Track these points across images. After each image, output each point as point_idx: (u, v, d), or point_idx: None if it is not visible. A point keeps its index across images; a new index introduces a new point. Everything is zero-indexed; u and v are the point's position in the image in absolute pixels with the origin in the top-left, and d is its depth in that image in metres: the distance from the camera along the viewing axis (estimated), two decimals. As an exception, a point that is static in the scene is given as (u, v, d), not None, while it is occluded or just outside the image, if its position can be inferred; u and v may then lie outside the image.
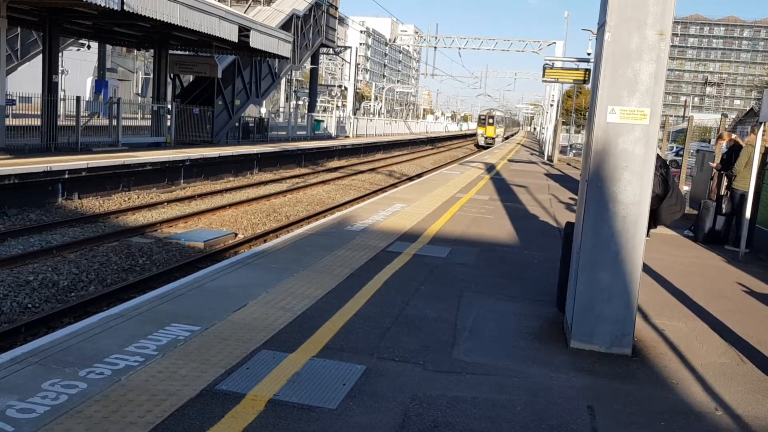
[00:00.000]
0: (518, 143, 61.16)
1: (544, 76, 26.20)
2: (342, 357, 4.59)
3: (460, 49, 45.06)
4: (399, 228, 9.84)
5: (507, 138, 71.85)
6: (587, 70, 25.04)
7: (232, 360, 4.38)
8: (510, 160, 31.34)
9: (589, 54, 32.16)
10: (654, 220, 6.79)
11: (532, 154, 41.83)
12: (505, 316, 5.93)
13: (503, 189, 17.21)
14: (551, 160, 33.81)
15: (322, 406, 3.82)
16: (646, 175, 4.92)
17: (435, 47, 47.01)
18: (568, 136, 55.61)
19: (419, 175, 26.49)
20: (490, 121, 59.31)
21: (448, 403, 4.01)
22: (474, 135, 69.21)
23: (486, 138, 58.47)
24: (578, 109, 70.84)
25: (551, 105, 42.89)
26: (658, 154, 5.35)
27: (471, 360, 4.77)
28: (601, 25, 5.06)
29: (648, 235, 9.29)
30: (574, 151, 43.62)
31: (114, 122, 20.82)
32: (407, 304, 5.97)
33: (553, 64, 27.93)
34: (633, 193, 4.93)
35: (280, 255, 7.64)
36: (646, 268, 7.93)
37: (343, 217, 10.77)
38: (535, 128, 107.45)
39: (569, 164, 32.00)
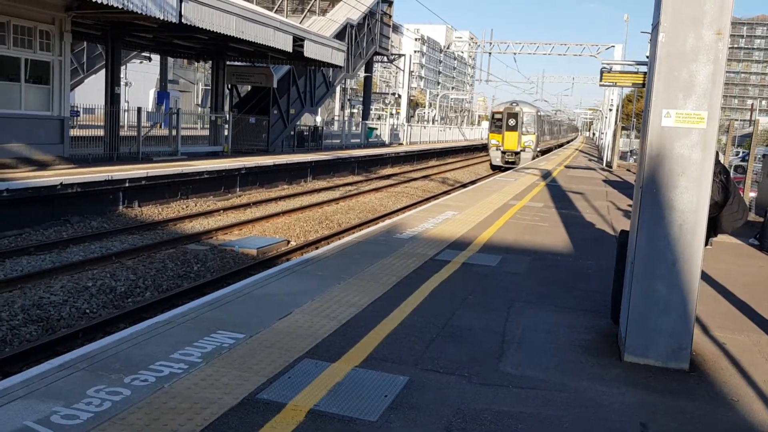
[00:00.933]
0: (576, 149, 59.85)
1: (601, 79, 25.59)
2: (385, 367, 4.52)
3: (515, 54, 44.54)
4: (449, 236, 9.73)
5: (547, 151, 46.65)
6: (647, 74, 24.36)
7: (274, 369, 4.37)
8: (567, 167, 30.74)
9: (648, 57, 31.30)
10: (714, 228, 6.48)
11: (590, 160, 40.96)
12: (556, 327, 5.75)
13: (559, 196, 16.86)
14: (610, 166, 33.02)
15: (362, 418, 3.76)
16: (704, 181, 4.70)
17: (490, 53, 46.63)
18: (629, 142, 54.29)
19: (472, 182, 26.23)
20: (512, 122, 34.58)
21: (493, 418, 3.89)
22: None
23: (505, 153, 34.82)
24: (639, 113, 68.10)
25: (610, 109, 41.96)
26: (717, 160, 5.10)
27: (519, 373, 4.64)
28: (655, 26, 4.86)
29: (709, 243, 8.92)
30: (634, 157, 42.47)
31: (174, 132, 21.37)
32: (454, 314, 5.86)
33: (611, 67, 27.25)
34: (690, 200, 4.71)
35: (329, 262, 7.63)
36: (707, 279, 7.60)
37: (393, 224, 10.72)
38: (594, 134, 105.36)
39: (629, 170, 31.16)
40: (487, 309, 6.11)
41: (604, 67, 25.07)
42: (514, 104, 35.37)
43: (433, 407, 3.97)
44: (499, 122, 35.21)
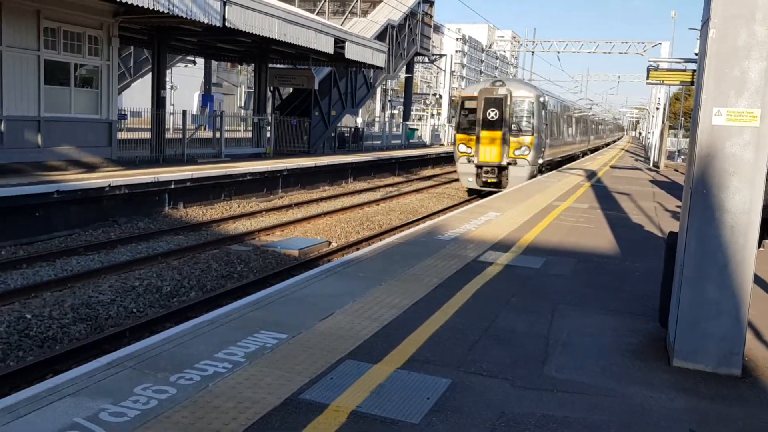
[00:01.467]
0: (622, 149, 58.76)
1: (648, 78, 25.09)
2: (427, 369, 4.49)
3: (558, 52, 43.93)
4: (491, 237, 9.64)
5: (568, 161, 31.13)
6: (695, 71, 23.79)
7: (316, 369, 4.38)
8: (612, 167, 30.20)
9: (696, 54, 30.55)
10: (767, 230, 6.28)
11: (636, 159, 40.18)
12: (602, 330, 5.64)
13: (604, 197, 16.56)
14: (657, 166, 32.33)
15: (404, 420, 3.74)
16: (757, 181, 4.55)
17: (533, 52, 46.12)
18: (676, 141, 53.16)
19: (515, 183, 25.95)
20: (493, 115, 20.98)
21: (537, 423, 3.83)
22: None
23: (481, 169, 21.32)
24: (687, 112, 66.31)
25: (657, 108, 41.10)
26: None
27: (563, 377, 4.56)
28: (705, 22, 4.73)
29: (762, 245, 8.65)
30: (682, 157, 41.56)
31: (218, 134, 21.72)
32: (497, 317, 5.80)
33: (658, 65, 26.70)
34: (742, 201, 4.56)
35: (370, 264, 7.63)
36: (760, 282, 7.37)
37: (434, 225, 10.68)
38: (640, 133, 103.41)
39: (677, 170, 30.47)
40: (530, 311, 6.03)
41: (651, 65, 24.57)
42: (497, 84, 21.34)
43: (476, 411, 3.93)
44: (471, 115, 21.13)
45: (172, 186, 15.30)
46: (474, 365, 4.64)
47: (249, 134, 28.40)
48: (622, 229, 11.37)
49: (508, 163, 20.80)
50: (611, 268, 8.19)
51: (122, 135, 19.01)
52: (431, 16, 39.56)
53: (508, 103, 20.70)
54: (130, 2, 13.42)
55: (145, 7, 13.77)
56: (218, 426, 3.52)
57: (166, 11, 14.34)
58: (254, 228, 14.12)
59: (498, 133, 20.72)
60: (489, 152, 20.84)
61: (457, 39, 71.51)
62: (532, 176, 21.24)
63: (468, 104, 21.42)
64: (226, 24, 16.25)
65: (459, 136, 21.46)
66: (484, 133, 20.80)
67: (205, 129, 23.44)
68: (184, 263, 10.92)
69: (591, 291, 6.96)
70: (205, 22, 15.70)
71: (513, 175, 20.78)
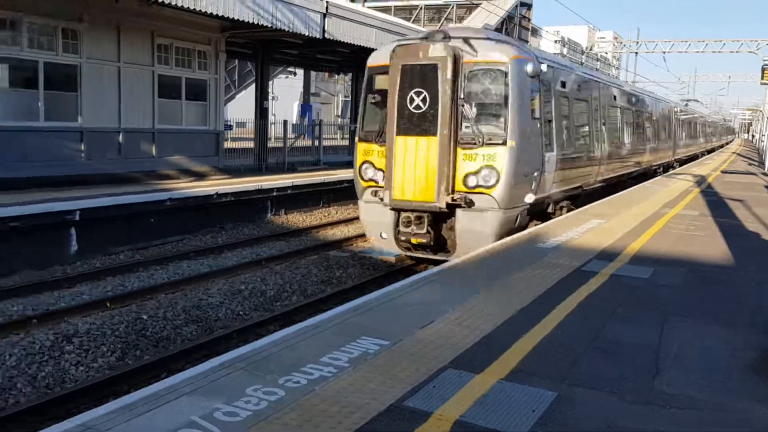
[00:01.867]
0: (733, 152, 55.51)
1: (762, 77, 23.68)
2: (531, 381, 4.41)
3: (664, 53, 42.21)
4: (594, 246, 9.35)
5: (613, 188, 17.38)
6: (817, 68, 22.19)
7: (418, 377, 4.40)
8: (723, 171, 28.59)
9: (819, 50, 28.47)
10: None
11: (750, 164, 37.86)
12: (716, 344, 5.35)
13: (715, 203, 15.71)
14: (773, 171, 30.33)
15: (509, 432, 3.69)
16: None
17: (636, 53, 44.52)
18: (794, 144, 49.61)
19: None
20: (420, 101, 9.73)
21: (649, 439, 3.69)
22: None
23: (403, 217, 10.27)
24: (806, 112, 61.66)
25: (772, 109, 38.54)
26: None
27: (675, 392, 4.36)
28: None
29: None
30: (801, 160, 38.74)
31: (316, 143, 22.26)
32: (603, 328, 5.62)
33: (775, 63, 25.09)
34: None
35: (468, 272, 7.59)
36: None
37: (535, 233, 10.48)
38: (753, 135, 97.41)
39: (795, 174, 28.46)
40: (638, 323, 5.80)
41: (766, 64, 23.15)
42: (433, 38, 10.28)
43: (583, 424, 3.83)
44: (379, 102, 10.90)
45: (274, 193, 15.82)
46: (580, 378, 4.52)
47: (346, 142, 28.95)
48: (735, 237, 10.75)
49: (454, 205, 10.22)
50: (725, 278, 7.76)
51: (228, 144, 19.87)
52: (529, 20, 38.96)
53: (449, 76, 9.89)
54: (236, 18, 14.02)
55: (250, 21, 14.35)
56: (325, 429, 3.61)
57: (269, 25, 14.89)
58: (351, 234, 14.37)
59: (430, 140, 10.06)
60: (412, 180, 10.25)
61: (555, 41, 69.92)
62: (511, 230, 10.65)
63: (379, 82, 10.98)
64: (326, 35, 16.69)
65: (361, 146, 11.22)
66: (401, 141, 10.25)
67: (304, 138, 24.11)
68: (286, 268, 11.26)
69: (703, 302, 6.62)
70: (306, 34, 16.18)
71: (464, 227, 10.37)
